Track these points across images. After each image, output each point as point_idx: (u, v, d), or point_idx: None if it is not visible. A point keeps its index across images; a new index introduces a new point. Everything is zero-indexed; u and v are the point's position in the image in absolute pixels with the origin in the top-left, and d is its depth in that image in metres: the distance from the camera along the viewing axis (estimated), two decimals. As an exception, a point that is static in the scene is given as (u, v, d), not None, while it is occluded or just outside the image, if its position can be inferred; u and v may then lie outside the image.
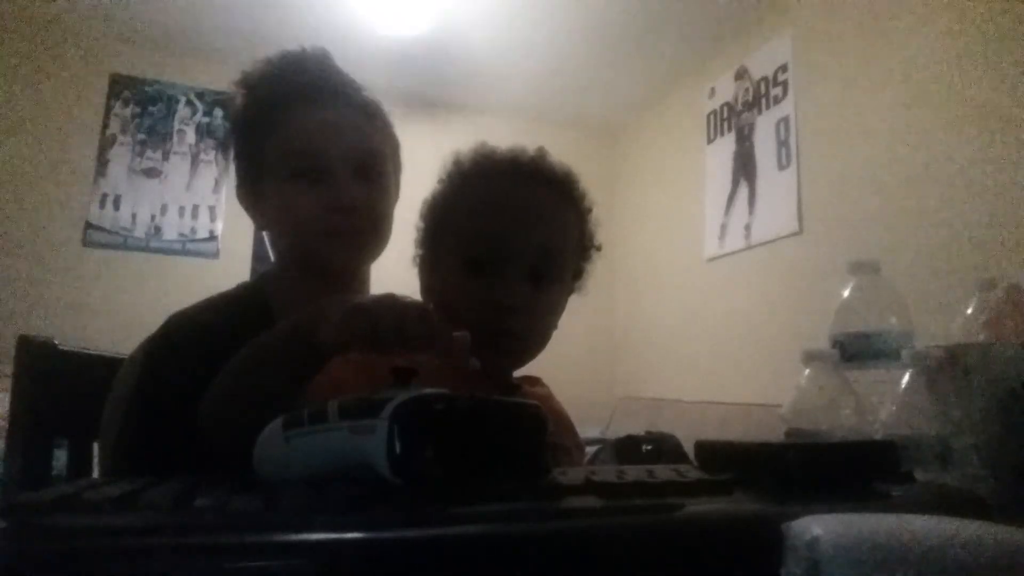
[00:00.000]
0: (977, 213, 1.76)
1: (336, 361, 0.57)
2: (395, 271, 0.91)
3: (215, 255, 3.03)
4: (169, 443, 0.63)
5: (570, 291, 0.74)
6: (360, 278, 0.85)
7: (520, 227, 0.66)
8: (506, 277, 0.64)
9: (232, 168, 0.88)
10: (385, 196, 0.81)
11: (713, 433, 0.52)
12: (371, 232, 0.80)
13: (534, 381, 0.78)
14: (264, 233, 0.89)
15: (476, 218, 0.68)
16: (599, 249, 0.76)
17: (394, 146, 0.86)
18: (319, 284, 0.80)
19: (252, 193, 0.82)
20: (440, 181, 0.73)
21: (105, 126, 2.98)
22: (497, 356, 0.65)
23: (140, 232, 2.97)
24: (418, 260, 0.74)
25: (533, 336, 0.68)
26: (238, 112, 0.82)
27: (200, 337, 0.73)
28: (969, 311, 0.81)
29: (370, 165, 0.79)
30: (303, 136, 0.76)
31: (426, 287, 0.72)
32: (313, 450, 0.40)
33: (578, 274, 0.75)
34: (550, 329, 0.71)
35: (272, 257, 0.89)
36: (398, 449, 0.35)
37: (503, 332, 0.64)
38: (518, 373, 0.75)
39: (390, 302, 0.51)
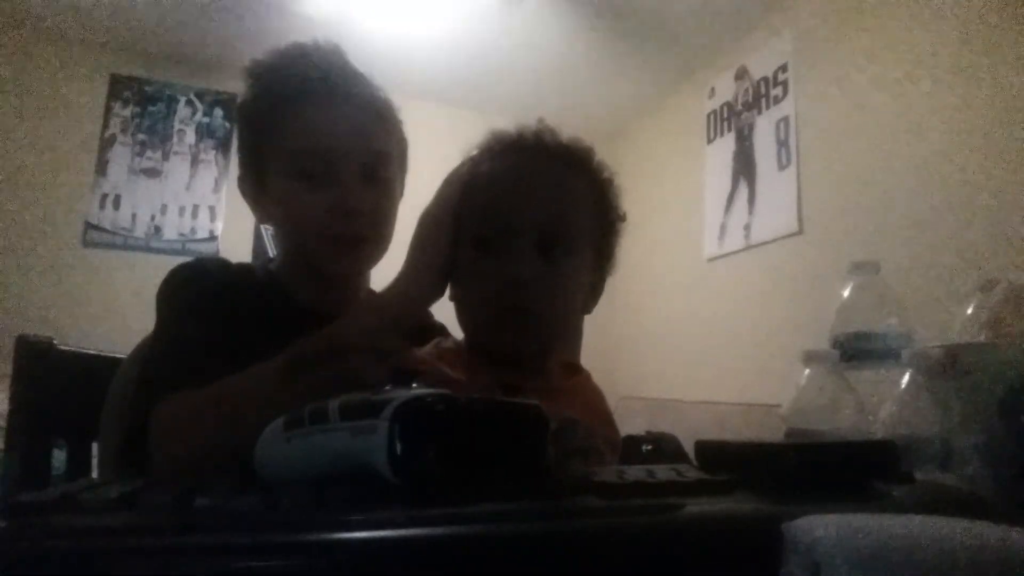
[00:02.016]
0: (977, 213, 1.76)
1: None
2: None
3: (215, 255, 3.04)
4: (196, 355, 0.66)
5: (596, 269, 0.71)
6: (360, 279, 0.85)
7: (523, 199, 0.64)
8: (513, 251, 0.62)
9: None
10: (390, 199, 0.80)
11: (713, 433, 0.52)
12: (374, 237, 0.78)
13: (575, 368, 0.75)
14: (263, 228, 0.90)
15: (481, 196, 0.66)
16: (624, 219, 0.73)
17: (402, 146, 0.84)
18: (318, 283, 0.80)
19: (255, 187, 0.81)
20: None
21: (105, 126, 2.98)
22: (515, 337, 0.63)
23: (140, 232, 2.97)
24: None
25: (549, 313, 0.64)
26: (244, 102, 0.79)
27: (222, 270, 0.79)
28: (969, 311, 0.81)
29: (376, 167, 0.77)
30: (309, 135, 0.74)
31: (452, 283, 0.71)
32: (314, 450, 0.40)
33: (604, 252, 0.71)
34: (570, 307, 0.68)
35: (270, 254, 0.89)
36: (399, 450, 0.35)
37: (515, 308, 0.62)
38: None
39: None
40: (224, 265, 0.81)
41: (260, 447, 0.43)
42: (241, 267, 0.83)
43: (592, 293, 0.72)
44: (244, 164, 0.81)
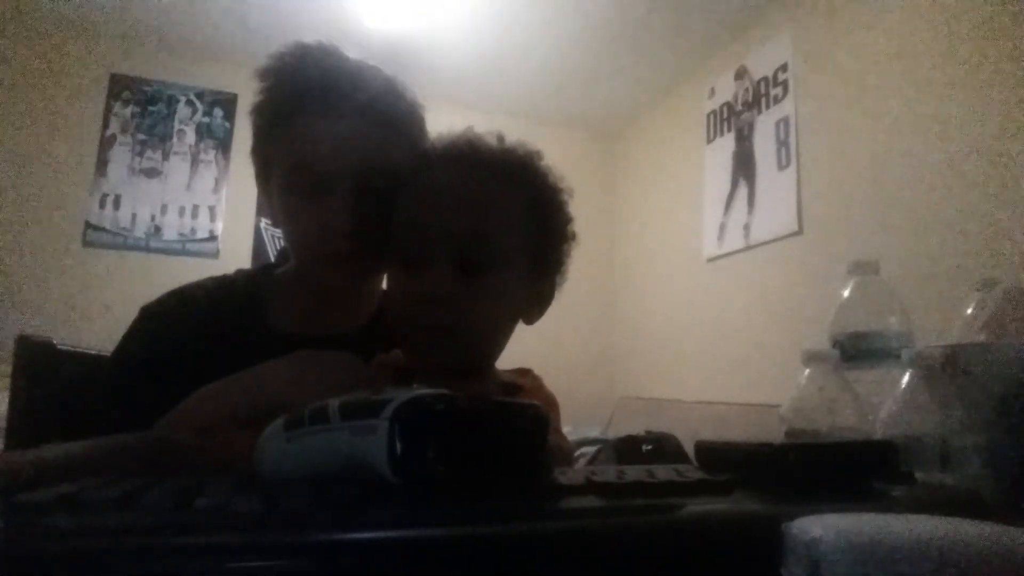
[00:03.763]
0: (977, 213, 1.76)
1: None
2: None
3: (215, 255, 3.03)
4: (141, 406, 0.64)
5: (537, 278, 0.69)
6: (366, 290, 0.83)
7: (440, 213, 0.62)
8: (429, 267, 0.61)
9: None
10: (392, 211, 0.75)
11: (713, 433, 0.52)
12: (372, 253, 0.73)
13: (523, 372, 0.75)
14: (263, 227, 0.89)
15: (402, 210, 0.66)
16: (569, 223, 0.71)
17: (416, 146, 0.77)
18: (320, 292, 0.79)
19: (265, 191, 0.79)
20: None
21: (105, 126, 2.98)
22: (437, 354, 0.62)
23: (140, 232, 2.97)
24: None
25: (467, 329, 0.62)
26: (252, 107, 0.77)
27: (183, 318, 0.76)
28: (969, 311, 0.81)
29: (376, 182, 0.72)
30: (300, 150, 0.71)
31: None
32: (314, 451, 0.40)
33: (545, 260, 0.69)
34: (494, 322, 0.66)
35: (271, 254, 0.89)
36: (399, 450, 0.35)
37: (430, 326, 0.61)
38: (508, 366, 0.74)
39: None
40: (195, 300, 0.77)
41: (260, 447, 0.43)
42: (221, 291, 0.79)
43: (537, 303, 0.71)
44: (255, 166, 0.80)
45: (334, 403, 0.39)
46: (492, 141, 0.69)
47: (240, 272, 0.85)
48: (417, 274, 0.62)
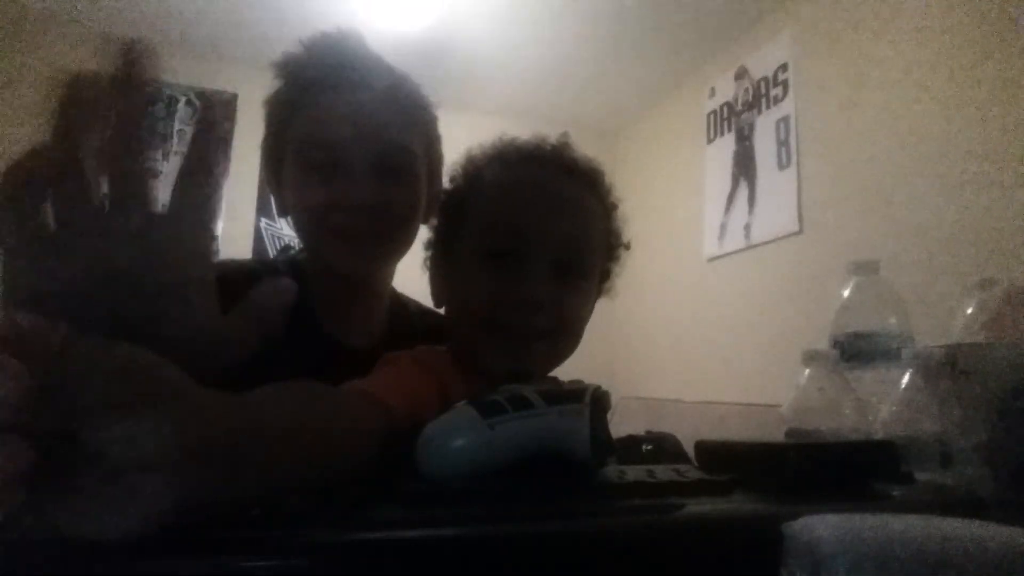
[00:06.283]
0: (977, 213, 1.76)
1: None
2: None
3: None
4: None
5: (598, 292, 0.71)
6: (378, 281, 0.82)
7: (544, 216, 0.62)
8: (530, 270, 0.60)
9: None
10: (408, 195, 0.75)
11: (713, 433, 0.52)
12: (385, 234, 0.74)
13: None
14: (263, 227, 0.88)
15: (496, 207, 0.63)
16: (627, 247, 0.72)
17: (429, 140, 0.79)
18: (332, 281, 0.77)
19: (274, 177, 0.79)
20: (452, 178, 0.71)
21: (105, 126, 2.98)
22: (523, 360, 0.61)
23: (140, 232, 2.97)
24: (429, 262, 0.71)
25: (561, 335, 0.63)
26: (269, 95, 0.77)
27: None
28: (969, 311, 0.81)
29: (391, 161, 0.73)
30: (317, 125, 0.72)
31: (439, 287, 0.69)
32: (518, 435, 0.43)
33: (605, 275, 0.71)
34: (579, 329, 0.66)
35: (270, 253, 0.88)
36: (598, 431, 0.42)
37: (528, 330, 0.60)
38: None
39: None
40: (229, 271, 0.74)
41: (445, 439, 0.43)
42: (244, 269, 0.77)
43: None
44: (264, 155, 0.79)
45: (530, 390, 0.44)
46: (575, 148, 0.69)
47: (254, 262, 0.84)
48: (512, 274, 0.60)
